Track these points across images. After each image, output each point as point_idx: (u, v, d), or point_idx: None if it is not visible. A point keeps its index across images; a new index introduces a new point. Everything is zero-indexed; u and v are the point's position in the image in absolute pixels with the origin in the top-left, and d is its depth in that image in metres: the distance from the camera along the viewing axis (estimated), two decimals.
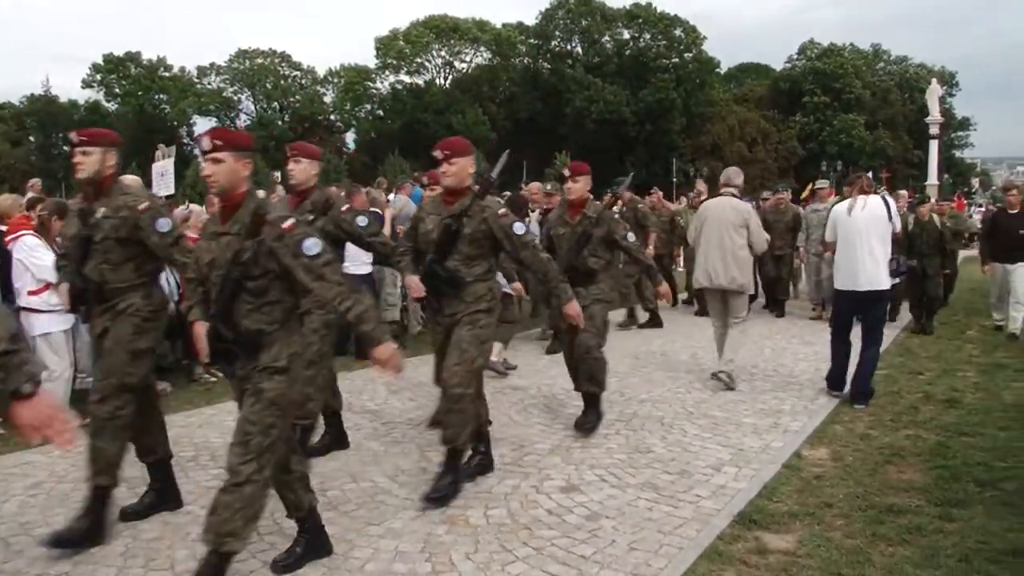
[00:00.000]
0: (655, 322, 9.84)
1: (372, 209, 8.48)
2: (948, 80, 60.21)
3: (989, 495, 4.30)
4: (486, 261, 4.31)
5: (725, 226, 6.67)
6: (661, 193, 12.80)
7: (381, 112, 54.23)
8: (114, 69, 58.96)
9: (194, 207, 8.36)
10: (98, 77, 58.78)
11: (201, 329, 3.32)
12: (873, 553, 3.60)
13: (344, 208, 4.66)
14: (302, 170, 4.65)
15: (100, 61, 58.56)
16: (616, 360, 8.10)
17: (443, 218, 4.24)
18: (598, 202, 5.88)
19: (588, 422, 5.43)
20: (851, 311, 6.39)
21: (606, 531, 3.84)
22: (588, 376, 5.47)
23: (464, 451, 4.31)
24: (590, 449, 5.11)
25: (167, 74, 59.66)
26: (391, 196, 10.34)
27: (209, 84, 58.78)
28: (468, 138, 4.92)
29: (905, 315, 10.21)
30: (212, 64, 59.07)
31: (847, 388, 6.27)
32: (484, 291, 4.29)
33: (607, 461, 4.86)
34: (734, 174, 7.10)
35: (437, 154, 4.34)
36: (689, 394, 6.51)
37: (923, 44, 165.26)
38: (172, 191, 10.33)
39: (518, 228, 4.22)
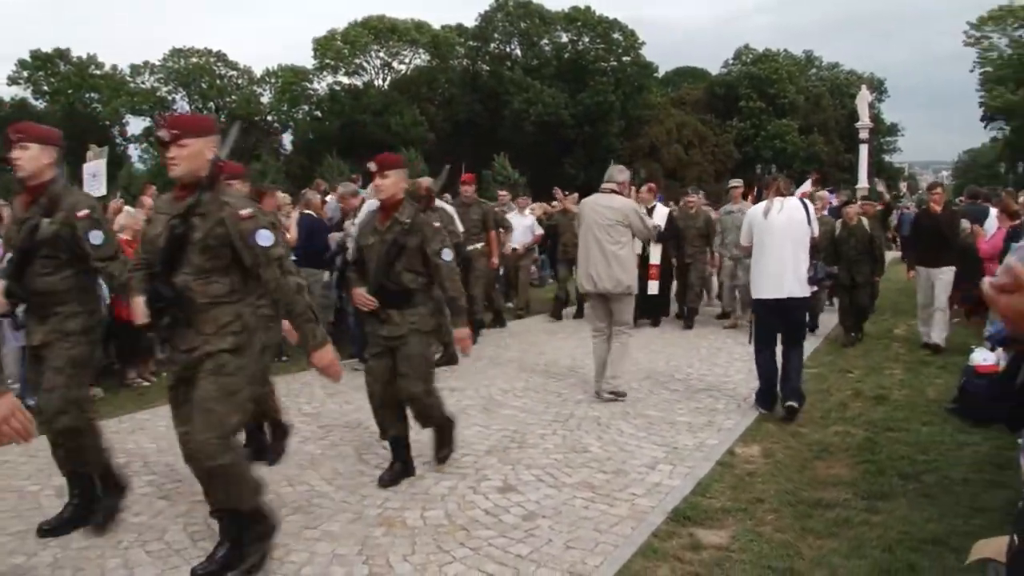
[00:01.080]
0: (449, 359, 7.77)
1: (307, 211, 8.35)
2: (877, 87, 61.71)
3: (912, 487, 4.48)
4: (228, 277, 3.31)
5: (600, 226, 6.38)
6: (571, 193, 12.39)
7: (319, 113, 53.64)
8: (42, 66, 57.34)
9: (128, 209, 8.02)
10: (24, 74, 57.14)
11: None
12: (802, 546, 3.71)
13: (81, 214, 3.66)
14: (30, 158, 3.67)
15: (27, 58, 56.97)
16: (552, 360, 8.17)
17: (169, 218, 3.31)
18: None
19: (441, 454, 4.83)
20: (772, 321, 6.07)
21: (543, 530, 3.88)
22: (425, 417, 4.68)
23: (258, 512, 3.47)
24: (527, 449, 5.15)
25: (98, 72, 58.27)
26: (329, 198, 10.14)
27: (143, 83, 57.52)
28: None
29: (827, 326, 9.94)
30: (146, 63, 57.74)
31: (778, 407, 6.03)
32: (229, 318, 3.30)
33: (544, 461, 4.90)
34: (616, 171, 6.78)
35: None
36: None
37: (852, 52, 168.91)
38: (104, 192, 10.12)
39: (262, 237, 3.24)
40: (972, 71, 51.29)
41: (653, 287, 9.87)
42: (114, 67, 58.40)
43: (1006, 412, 4.32)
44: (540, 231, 12.13)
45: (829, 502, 4.23)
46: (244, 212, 3.24)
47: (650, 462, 4.87)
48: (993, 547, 2.49)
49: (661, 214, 10.05)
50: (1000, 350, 5.66)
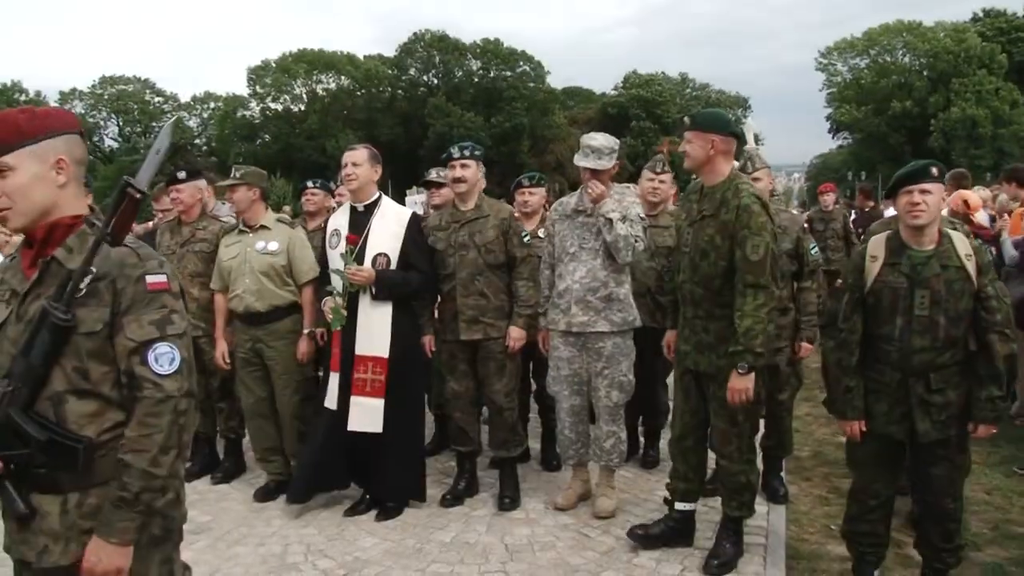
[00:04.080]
0: None
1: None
2: (742, 104, 70.30)
3: None
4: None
5: None
6: None
7: (260, 139, 57.81)
8: None
9: None
10: None
11: None
12: None
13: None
14: None
15: None
16: None
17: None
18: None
19: None
20: None
21: None
22: None
23: None
24: None
25: (23, 99, 60.61)
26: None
27: (72, 110, 60.28)
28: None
29: None
30: (74, 89, 60.73)
31: None
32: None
33: None
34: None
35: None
36: None
37: (708, 64, 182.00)
38: None
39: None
40: (821, 90, 60.03)
41: None
42: (38, 93, 61.07)
43: None
44: None
45: None
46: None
47: None
48: None
49: None
50: None
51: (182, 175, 5.63)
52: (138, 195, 1.98)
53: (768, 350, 4.26)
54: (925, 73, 53.05)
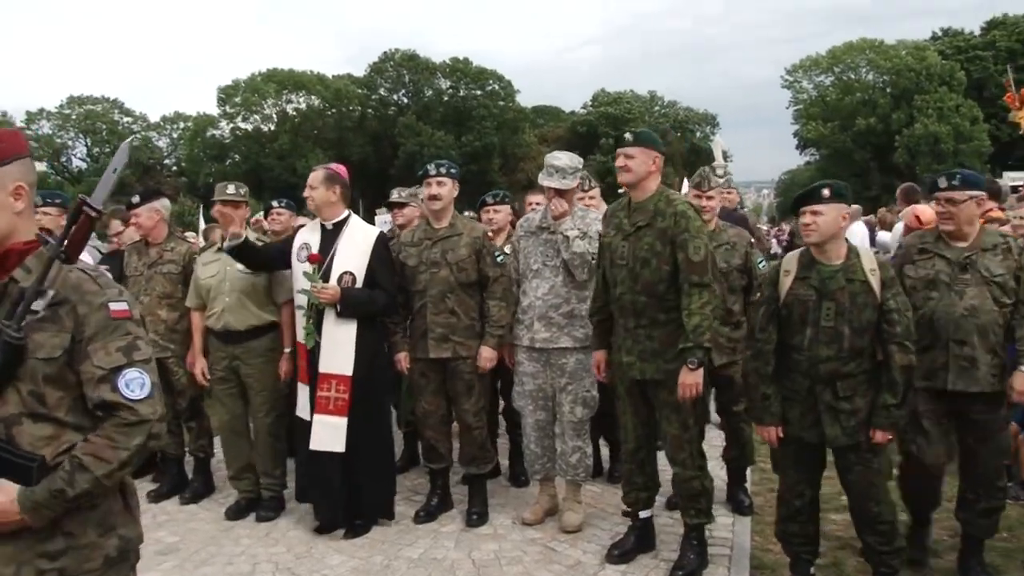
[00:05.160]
0: None
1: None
2: (711, 121, 71.00)
3: None
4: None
5: None
6: None
7: (236, 157, 57.39)
8: None
9: None
10: None
11: None
12: None
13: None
14: None
15: None
16: None
17: None
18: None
19: None
20: None
21: None
22: None
23: None
24: None
25: None
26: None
27: (40, 130, 59.76)
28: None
29: None
30: (41, 110, 60.11)
31: None
32: None
33: None
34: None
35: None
36: None
37: (673, 82, 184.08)
38: None
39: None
40: (788, 107, 60.75)
41: None
42: (4, 113, 60.40)
43: None
44: None
45: None
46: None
47: None
48: None
49: None
50: None
51: (136, 199, 5.66)
52: (94, 214, 2.00)
53: (721, 363, 4.41)
54: (888, 90, 53.74)
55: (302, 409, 4.94)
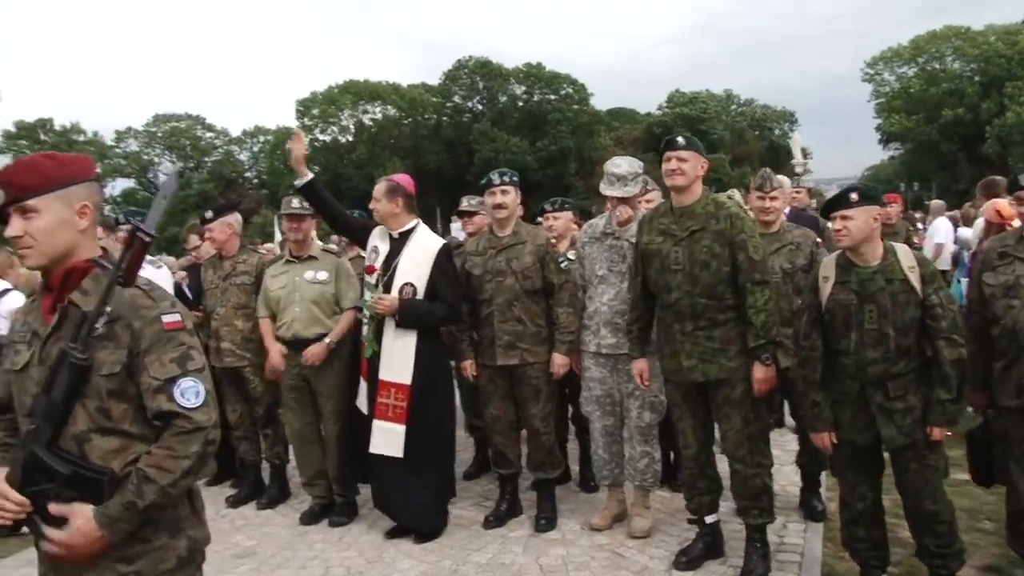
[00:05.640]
0: None
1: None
2: (788, 118, 69.77)
3: None
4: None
5: None
6: None
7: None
8: (27, 135, 60.88)
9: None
10: (10, 144, 60.46)
11: None
12: None
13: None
14: None
15: (12, 128, 60.39)
16: None
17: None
18: None
19: None
20: None
21: None
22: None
23: None
24: None
25: (81, 139, 62.31)
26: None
27: (127, 147, 61.94)
28: None
29: None
30: (129, 128, 62.33)
31: None
32: None
33: None
34: None
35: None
36: None
37: (752, 79, 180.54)
38: None
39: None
40: (869, 101, 59.21)
41: None
42: (95, 133, 62.79)
43: None
44: None
45: None
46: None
47: None
48: None
49: None
50: None
51: (209, 214, 5.88)
52: (147, 238, 2.10)
53: (787, 364, 4.37)
54: (976, 78, 52.00)
55: (361, 402, 5.08)
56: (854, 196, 3.65)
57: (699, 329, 4.19)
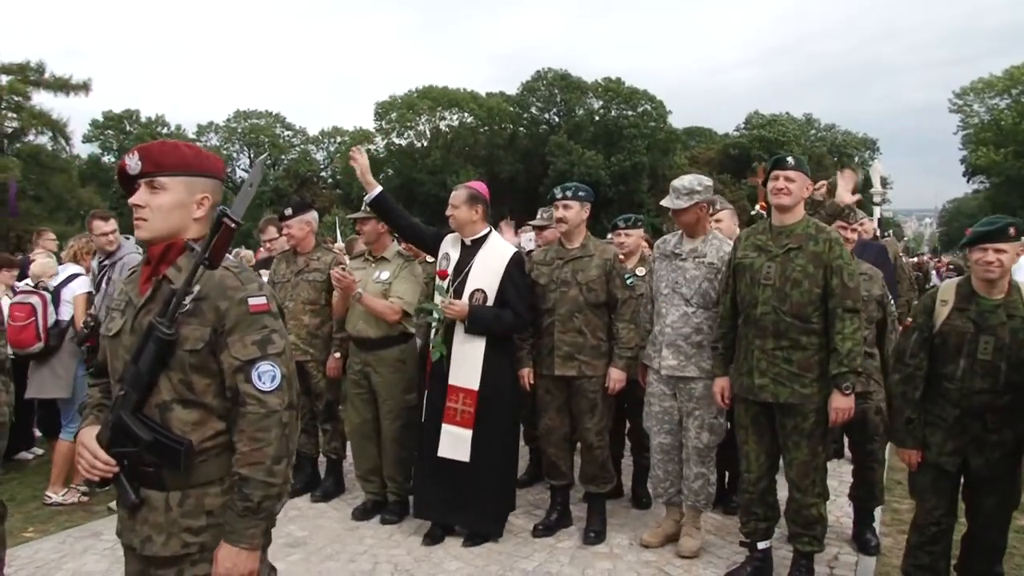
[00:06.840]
0: None
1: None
2: (870, 146, 68.32)
3: None
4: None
5: None
6: None
7: (383, 173, 59.49)
8: (113, 125, 62.65)
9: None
10: (97, 133, 62.31)
11: None
12: None
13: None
14: None
15: (100, 118, 62.20)
16: None
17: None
18: None
19: None
20: None
21: None
22: None
23: None
24: None
25: (165, 131, 63.92)
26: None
27: (208, 141, 63.41)
28: None
29: None
30: (210, 123, 63.97)
31: None
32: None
33: None
34: None
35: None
36: None
37: (829, 104, 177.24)
38: None
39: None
40: (955, 133, 57.63)
41: None
42: (178, 127, 64.48)
43: None
44: None
45: None
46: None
47: None
48: None
49: None
50: None
51: (288, 211, 6.03)
52: (233, 225, 2.19)
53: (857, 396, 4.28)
54: None
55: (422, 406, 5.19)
56: (1012, 231, 3.62)
57: (779, 349, 4.18)
